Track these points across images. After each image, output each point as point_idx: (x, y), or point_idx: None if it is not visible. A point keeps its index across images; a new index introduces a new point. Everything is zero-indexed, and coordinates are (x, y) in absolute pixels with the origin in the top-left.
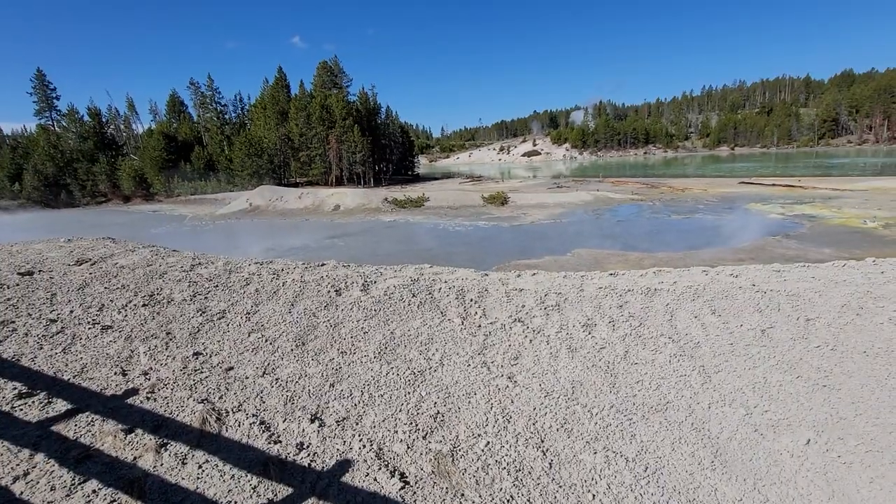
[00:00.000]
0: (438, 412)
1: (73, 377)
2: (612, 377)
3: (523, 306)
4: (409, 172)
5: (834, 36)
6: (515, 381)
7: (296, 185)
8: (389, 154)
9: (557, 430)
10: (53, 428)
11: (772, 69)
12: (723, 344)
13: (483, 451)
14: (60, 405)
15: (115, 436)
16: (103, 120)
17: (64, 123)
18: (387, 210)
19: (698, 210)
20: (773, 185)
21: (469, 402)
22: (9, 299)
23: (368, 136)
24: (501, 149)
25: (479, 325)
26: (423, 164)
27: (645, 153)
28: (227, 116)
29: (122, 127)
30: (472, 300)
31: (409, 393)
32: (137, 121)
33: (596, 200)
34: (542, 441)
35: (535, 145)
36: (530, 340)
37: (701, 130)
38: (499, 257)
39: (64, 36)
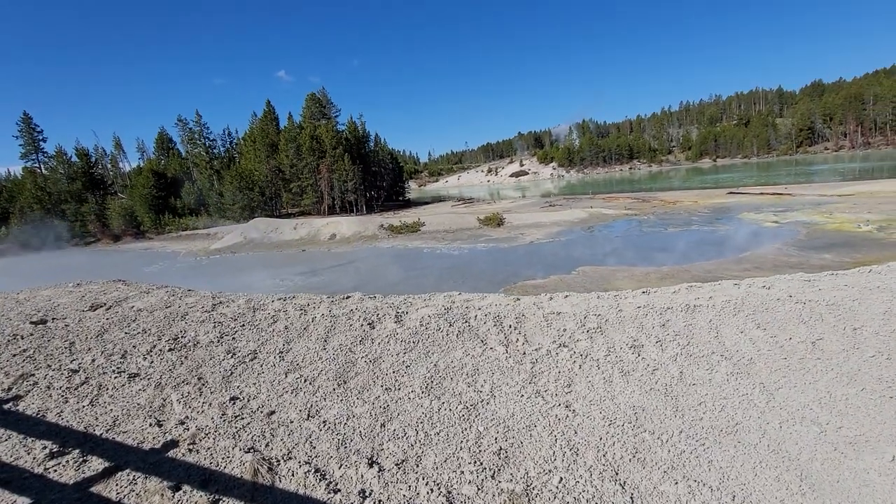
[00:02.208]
0: (501, 448)
1: (106, 431)
2: (673, 400)
3: (565, 330)
4: (401, 198)
5: (802, 48)
6: (574, 410)
7: (288, 216)
8: (380, 181)
9: (630, 460)
10: (93, 489)
11: (745, 82)
12: (776, 359)
13: (558, 487)
14: (97, 463)
15: (163, 494)
16: (91, 160)
17: (52, 164)
18: (383, 237)
19: (693, 222)
20: (762, 193)
21: (530, 435)
22: (24, 350)
23: (359, 163)
24: (489, 170)
25: (524, 353)
26: (412, 188)
27: (630, 168)
28: (215, 151)
29: (109, 166)
30: (510, 326)
31: (465, 429)
32: (125, 159)
33: (591, 217)
34: (617, 473)
35: (522, 165)
36: (580, 366)
37: (682, 144)
38: (505, 279)
39: (48, 78)
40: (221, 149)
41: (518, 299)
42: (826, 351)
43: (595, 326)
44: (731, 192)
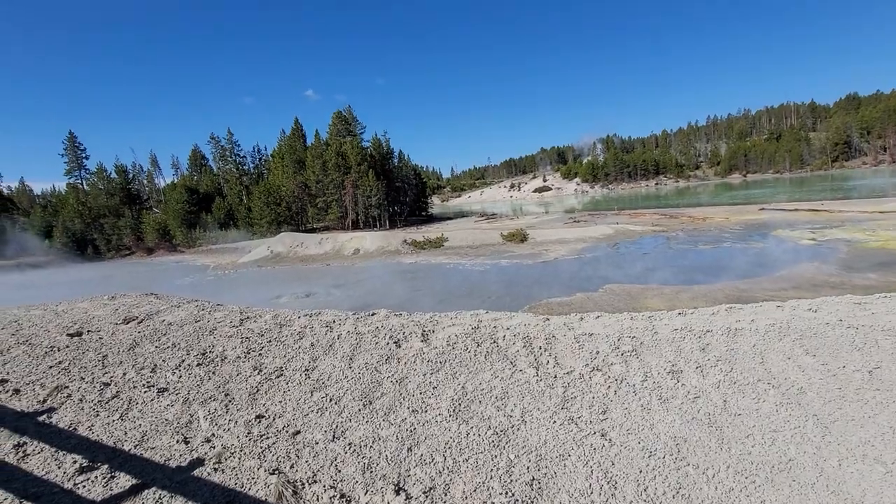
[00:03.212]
0: (533, 478)
1: (134, 447)
2: (718, 431)
3: (598, 353)
4: (423, 213)
5: (834, 60)
6: (610, 440)
7: (313, 230)
8: (403, 196)
9: (673, 496)
10: None
11: (775, 96)
12: (830, 388)
13: None
14: (124, 480)
15: None
16: (129, 176)
17: (93, 180)
18: (406, 252)
19: (724, 239)
20: (796, 210)
21: (564, 465)
22: (60, 363)
23: (383, 179)
24: (512, 186)
25: (556, 376)
26: (435, 204)
27: (656, 184)
28: (245, 167)
29: (145, 181)
30: (540, 348)
31: (496, 456)
32: (160, 175)
33: (617, 233)
34: None
35: (545, 181)
36: (615, 391)
37: (711, 159)
38: (529, 296)
39: (92, 98)
40: (251, 165)
41: (547, 319)
42: (885, 381)
43: (630, 349)
44: (763, 209)
